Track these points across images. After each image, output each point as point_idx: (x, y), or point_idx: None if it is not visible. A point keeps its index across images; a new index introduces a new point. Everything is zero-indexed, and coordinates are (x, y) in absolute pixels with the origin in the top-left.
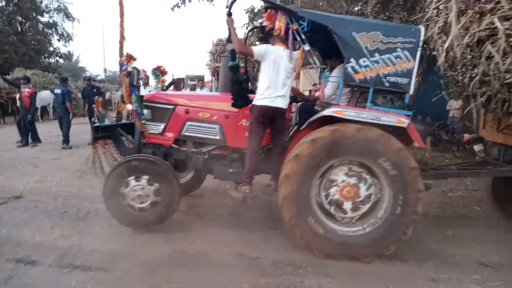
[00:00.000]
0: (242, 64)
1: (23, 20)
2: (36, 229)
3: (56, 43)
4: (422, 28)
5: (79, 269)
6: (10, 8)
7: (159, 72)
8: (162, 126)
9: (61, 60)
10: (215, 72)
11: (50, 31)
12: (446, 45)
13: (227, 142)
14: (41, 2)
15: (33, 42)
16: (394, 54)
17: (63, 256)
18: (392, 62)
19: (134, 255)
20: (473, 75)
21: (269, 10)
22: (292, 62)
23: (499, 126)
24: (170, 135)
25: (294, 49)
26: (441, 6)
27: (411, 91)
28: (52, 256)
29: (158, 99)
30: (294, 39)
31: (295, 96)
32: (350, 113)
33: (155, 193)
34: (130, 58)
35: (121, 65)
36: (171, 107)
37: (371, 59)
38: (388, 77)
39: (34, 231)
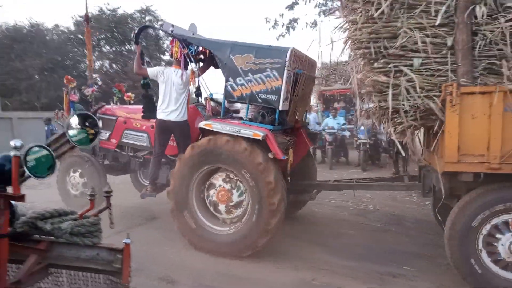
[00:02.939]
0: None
1: (149, 60)
2: (171, 249)
3: None
4: (289, 49)
5: None
6: None
7: (118, 89)
8: (108, 133)
9: None
10: (321, 96)
11: None
12: None
13: (152, 149)
14: (163, 43)
15: None
16: (264, 73)
17: (198, 277)
18: (263, 81)
19: (263, 281)
20: None
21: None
22: (184, 80)
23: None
24: (113, 141)
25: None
26: None
27: (280, 107)
28: (189, 276)
29: (106, 111)
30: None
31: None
32: (217, 125)
33: (83, 186)
34: (69, 80)
35: (91, 85)
36: (114, 118)
37: (246, 78)
38: (260, 94)
39: (169, 251)
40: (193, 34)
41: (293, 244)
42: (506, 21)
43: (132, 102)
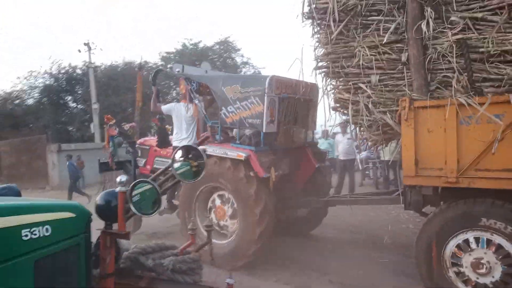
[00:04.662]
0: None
1: None
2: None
3: None
4: (268, 78)
5: None
6: None
7: (154, 123)
8: (144, 160)
9: None
10: None
11: None
12: None
13: None
14: (241, 71)
15: None
16: (249, 100)
17: None
18: (248, 107)
19: None
20: None
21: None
22: (191, 113)
23: None
24: (148, 167)
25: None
26: None
27: (264, 129)
28: None
29: (144, 142)
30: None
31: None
32: (209, 149)
33: None
34: (109, 119)
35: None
36: (148, 147)
37: (235, 106)
38: (247, 119)
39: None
40: (206, 72)
41: (365, 269)
42: (453, 35)
43: (169, 133)
